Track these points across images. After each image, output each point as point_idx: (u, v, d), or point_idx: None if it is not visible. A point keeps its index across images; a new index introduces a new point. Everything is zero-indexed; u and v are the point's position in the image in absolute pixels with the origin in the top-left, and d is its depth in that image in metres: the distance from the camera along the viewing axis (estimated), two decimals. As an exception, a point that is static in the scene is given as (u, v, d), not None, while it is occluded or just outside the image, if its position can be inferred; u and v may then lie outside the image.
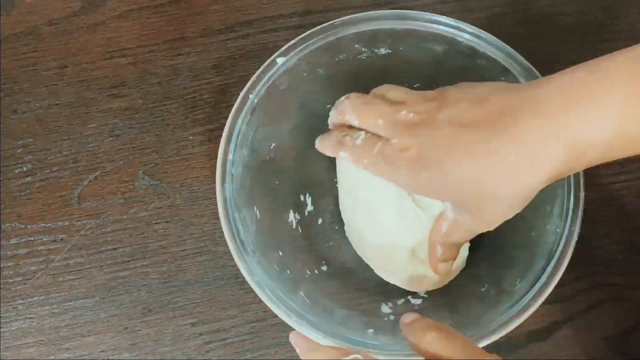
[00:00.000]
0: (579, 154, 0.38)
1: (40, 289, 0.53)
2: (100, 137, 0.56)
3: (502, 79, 0.49)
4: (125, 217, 0.54)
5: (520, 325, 0.52)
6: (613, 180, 0.55)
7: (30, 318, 0.52)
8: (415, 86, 0.50)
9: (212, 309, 0.52)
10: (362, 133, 0.44)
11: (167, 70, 0.58)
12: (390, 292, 0.51)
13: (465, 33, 0.50)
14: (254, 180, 0.50)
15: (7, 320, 0.52)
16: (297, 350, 0.42)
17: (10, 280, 0.53)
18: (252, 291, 0.44)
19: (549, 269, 0.45)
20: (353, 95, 0.46)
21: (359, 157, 0.44)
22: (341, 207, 0.53)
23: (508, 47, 0.49)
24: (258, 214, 0.49)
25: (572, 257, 0.53)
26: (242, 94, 0.49)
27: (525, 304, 0.44)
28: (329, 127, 0.47)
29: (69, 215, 0.54)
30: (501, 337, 0.51)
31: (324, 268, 0.52)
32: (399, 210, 0.48)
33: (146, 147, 0.56)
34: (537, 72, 0.48)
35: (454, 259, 0.48)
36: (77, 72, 0.58)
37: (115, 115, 0.57)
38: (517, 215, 0.42)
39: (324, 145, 0.46)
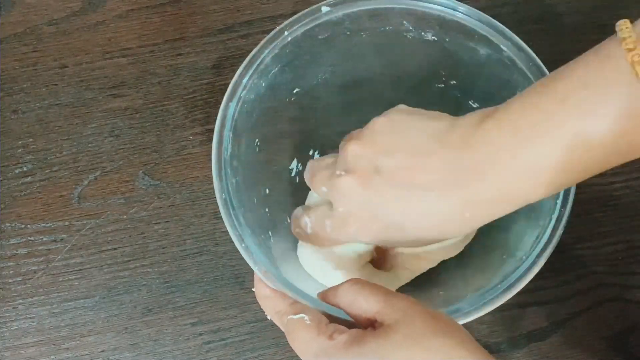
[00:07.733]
0: (528, 200, 0.39)
1: (40, 289, 0.53)
2: (100, 137, 0.56)
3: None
4: (125, 217, 0.54)
5: (520, 325, 0.52)
6: (613, 180, 0.55)
7: (30, 318, 0.52)
8: (451, 82, 0.49)
9: (212, 309, 0.52)
10: (308, 220, 0.45)
11: (167, 70, 0.58)
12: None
13: (511, 43, 0.47)
14: (264, 114, 0.48)
15: (7, 320, 0.52)
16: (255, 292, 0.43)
17: (10, 280, 0.53)
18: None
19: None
20: (312, 161, 0.46)
21: (319, 242, 0.45)
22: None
23: (544, 68, 0.46)
24: (257, 147, 0.47)
25: (572, 257, 0.53)
26: (278, 27, 0.48)
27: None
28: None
29: (69, 215, 0.54)
30: (501, 338, 0.52)
31: None
32: None
33: (146, 147, 0.56)
34: None
35: None
36: (77, 72, 0.58)
37: (115, 115, 0.57)
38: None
39: (294, 231, 0.47)
